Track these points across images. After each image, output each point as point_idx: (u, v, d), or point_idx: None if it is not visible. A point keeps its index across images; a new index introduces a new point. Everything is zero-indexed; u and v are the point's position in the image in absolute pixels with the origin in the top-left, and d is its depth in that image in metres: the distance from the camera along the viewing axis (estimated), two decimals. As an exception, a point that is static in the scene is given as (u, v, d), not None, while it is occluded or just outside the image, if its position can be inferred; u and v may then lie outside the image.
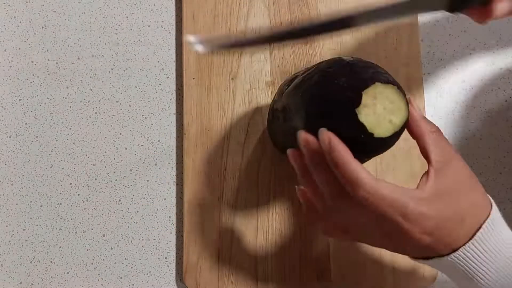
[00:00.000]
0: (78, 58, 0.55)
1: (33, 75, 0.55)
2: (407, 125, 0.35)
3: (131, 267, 0.52)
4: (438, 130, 0.36)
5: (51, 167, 0.53)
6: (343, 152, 0.31)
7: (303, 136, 0.33)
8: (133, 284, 0.52)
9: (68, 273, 0.52)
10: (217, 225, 0.51)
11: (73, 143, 0.54)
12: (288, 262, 0.50)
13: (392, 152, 0.41)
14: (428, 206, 0.31)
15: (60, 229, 0.52)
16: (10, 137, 0.54)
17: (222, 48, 0.32)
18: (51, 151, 0.53)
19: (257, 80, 0.53)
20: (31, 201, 0.52)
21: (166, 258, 0.52)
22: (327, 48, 0.54)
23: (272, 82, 0.53)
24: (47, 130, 0.54)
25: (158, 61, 0.55)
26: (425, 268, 0.50)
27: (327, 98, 0.33)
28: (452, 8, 0.35)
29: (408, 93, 0.54)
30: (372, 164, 0.51)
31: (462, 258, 0.32)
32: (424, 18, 0.56)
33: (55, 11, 0.56)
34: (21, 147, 0.53)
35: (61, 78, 0.55)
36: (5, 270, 0.51)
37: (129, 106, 0.54)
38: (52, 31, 0.55)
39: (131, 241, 0.52)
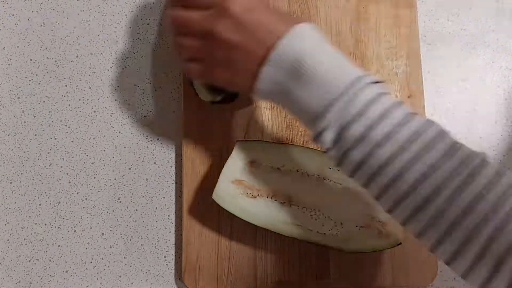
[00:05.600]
0: (77, 56, 0.55)
1: (31, 73, 0.55)
2: None
3: (130, 266, 0.52)
4: None
5: (50, 166, 0.53)
6: None
7: None
8: (132, 283, 0.52)
9: (67, 271, 0.52)
10: (216, 224, 0.51)
11: (72, 141, 0.53)
12: (288, 262, 0.50)
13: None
14: None
15: (59, 227, 0.52)
16: (8, 135, 0.53)
17: None
18: (50, 149, 0.53)
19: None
20: (30, 200, 0.52)
21: (165, 257, 0.52)
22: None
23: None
24: (46, 129, 0.54)
25: (158, 60, 0.55)
26: (425, 268, 0.50)
27: None
28: None
29: (408, 92, 0.54)
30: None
31: (286, 45, 0.35)
32: (423, 16, 0.56)
33: (53, 9, 0.56)
34: (19, 145, 0.53)
35: (60, 76, 0.55)
36: (4, 268, 0.51)
37: (128, 104, 0.54)
38: (50, 29, 0.55)
39: (130, 240, 0.52)
